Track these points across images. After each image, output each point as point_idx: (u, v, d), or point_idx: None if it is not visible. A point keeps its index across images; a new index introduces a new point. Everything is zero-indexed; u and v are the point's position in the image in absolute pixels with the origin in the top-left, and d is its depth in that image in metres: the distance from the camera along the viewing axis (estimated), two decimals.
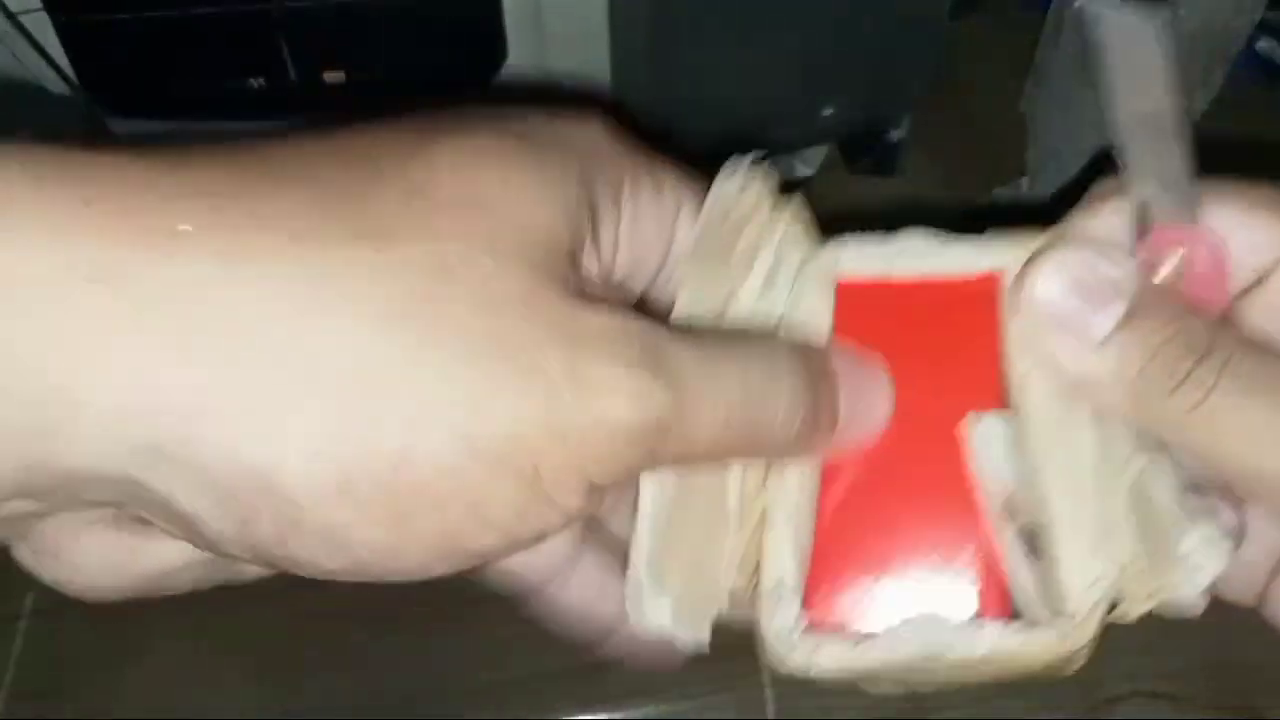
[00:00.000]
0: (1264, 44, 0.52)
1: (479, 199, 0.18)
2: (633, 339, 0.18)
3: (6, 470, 0.15)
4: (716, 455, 0.20)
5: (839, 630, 0.21)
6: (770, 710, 0.40)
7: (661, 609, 0.20)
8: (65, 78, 0.35)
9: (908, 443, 0.22)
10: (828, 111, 0.40)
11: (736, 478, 0.21)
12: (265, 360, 0.15)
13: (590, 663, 0.43)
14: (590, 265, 0.20)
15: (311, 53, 0.35)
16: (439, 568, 0.17)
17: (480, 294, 0.17)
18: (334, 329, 0.16)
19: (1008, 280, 0.22)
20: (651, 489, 0.21)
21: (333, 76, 0.36)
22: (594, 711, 0.41)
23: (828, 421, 0.21)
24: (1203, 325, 0.21)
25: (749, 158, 0.23)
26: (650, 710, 0.41)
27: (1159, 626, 0.41)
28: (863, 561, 0.22)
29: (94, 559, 0.19)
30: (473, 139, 0.19)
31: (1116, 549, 0.21)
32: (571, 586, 0.23)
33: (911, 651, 0.20)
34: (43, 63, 0.34)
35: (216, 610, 0.41)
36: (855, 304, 0.23)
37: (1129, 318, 0.21)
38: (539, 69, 0.37)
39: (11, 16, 0.33)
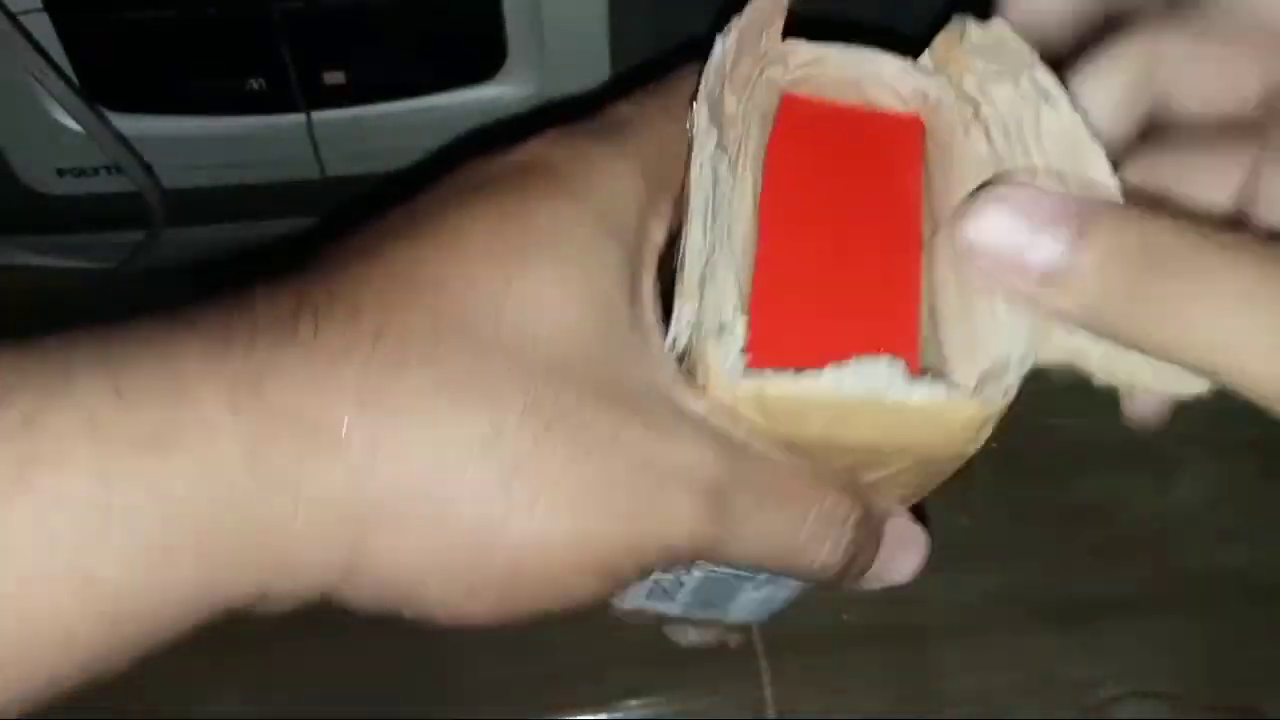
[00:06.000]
0: None
1: (539, 340, 0.21)
2: (705, 476, 0.22)
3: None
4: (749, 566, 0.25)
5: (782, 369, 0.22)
6: (770, 710, 0.40)
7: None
8: (65, 78, 0.35)
9: (843, 236, 0.24)
10: None
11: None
12: (406, 522, 0.21)
13: (590, 663, 0.43)
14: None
15: (311, 53, 0.35)
16: (513, 617, 0.23)
17: (573, 443, 0.21)
18: (455, 486, 0.21)
19: (936, 105, 0.25)
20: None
21: (332, 77, 0.36)
22: (594, 711, 0.41)
23: (858, 572, 0.24)
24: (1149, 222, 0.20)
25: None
26: (650, 710, 0.41)
27: (1157, 626, 0.41)
28: (801, 321, 0.23)
29: None
30: (503, 273, 0.22)
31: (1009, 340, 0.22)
32: None
33: (852, 389, 0.21)
34: (43, 63, 0.34)
35: None
36: (796, 118, 0.25)
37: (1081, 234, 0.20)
38: (537, 70, 0.37)
39: (11, 16, 0.33)
